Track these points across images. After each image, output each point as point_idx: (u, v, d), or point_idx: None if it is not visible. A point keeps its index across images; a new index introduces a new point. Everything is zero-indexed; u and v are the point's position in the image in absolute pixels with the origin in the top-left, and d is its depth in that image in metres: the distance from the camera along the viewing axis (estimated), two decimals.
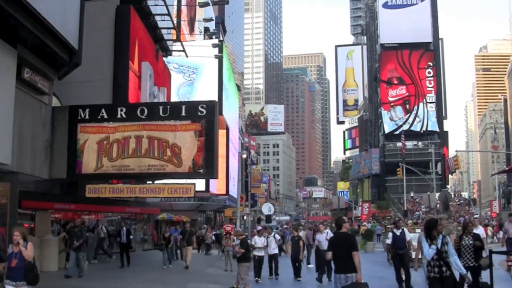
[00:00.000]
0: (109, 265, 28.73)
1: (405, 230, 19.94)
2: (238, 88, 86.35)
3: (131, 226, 38.48)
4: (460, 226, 21.69)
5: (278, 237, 27.33)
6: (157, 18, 24.67)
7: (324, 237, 22.67)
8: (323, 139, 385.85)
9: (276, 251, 24.79)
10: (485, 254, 14.48)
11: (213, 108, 17.19)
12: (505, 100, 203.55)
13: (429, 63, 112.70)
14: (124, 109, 17.53)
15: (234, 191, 54.74)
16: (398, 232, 19.41)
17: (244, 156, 63.64)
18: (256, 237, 23.40)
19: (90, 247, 26.89)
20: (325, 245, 20.71)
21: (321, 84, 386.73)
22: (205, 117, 16.94)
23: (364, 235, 46.86)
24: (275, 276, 24.42)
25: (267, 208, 54.53)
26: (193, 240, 31.35)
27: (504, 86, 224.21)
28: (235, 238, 25.86)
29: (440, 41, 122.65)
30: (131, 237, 29.23)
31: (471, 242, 14.51)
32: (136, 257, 32.02)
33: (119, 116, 17.39)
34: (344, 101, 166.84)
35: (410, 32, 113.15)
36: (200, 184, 33.49)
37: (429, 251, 11.26)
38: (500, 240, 21.39)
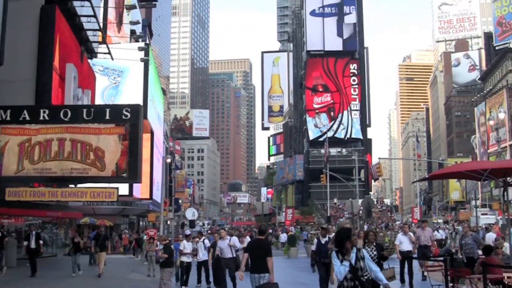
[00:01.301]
0: (20, 272, 27.15)
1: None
2: (164, 92, 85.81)
3: (53, 230, 37.79)
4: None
5: (207, 242, 25.82)
6: (83, 19, 24.27)
7: (226, 243, 20.51)
8: (248, 144, 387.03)
9: (206, 257, 22.91)
10: (386, 265, 13.87)
11: (138, 112, 17.00)
12: (427, 109, 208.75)
13: (354, 71, 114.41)
14: (47, 111, 17.16)
15: (157, 195, 54.27)
16: (323, 240, 18.65)
17: (168, 160, 63.30)
18: (184, 242, 22.57)
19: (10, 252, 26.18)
20: (227, 252, 20.31)
21: (247, 90, 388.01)
22: (129, 120, 16.72)
23: (287, 241, 47.07)
24: (206, 284, 22.72)
25: (191, 213, 54.28)
26: (107, 245, 29.52)
27: (427, 96, 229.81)
28: (158, 243, 25.50)
29: (365, 50, 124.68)
30: (40, 242, 27.60)
31: (374, 252, 13.65)
32: (56, 262, 31.35)
33: (41, 118, 16.99)
34: (270, 107, 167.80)
35: (336, 40, 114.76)
36: (123, 188, 33.03)
37: (341, 269, 8.87)
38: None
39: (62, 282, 24.72)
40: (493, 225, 44.46)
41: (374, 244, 13.96)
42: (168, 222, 63.20)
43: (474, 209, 65.98)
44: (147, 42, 60.63)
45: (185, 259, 22.18)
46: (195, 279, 22.95)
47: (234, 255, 20.80)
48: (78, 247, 27.59)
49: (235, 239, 21.11)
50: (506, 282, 13.32)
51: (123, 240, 53.02)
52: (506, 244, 19.65)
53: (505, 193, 16.84)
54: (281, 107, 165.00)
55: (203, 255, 22.89)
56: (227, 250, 20.33)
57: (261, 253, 13.54)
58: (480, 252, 19.37)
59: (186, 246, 22.30)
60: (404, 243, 20.86)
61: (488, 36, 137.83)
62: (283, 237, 54.06)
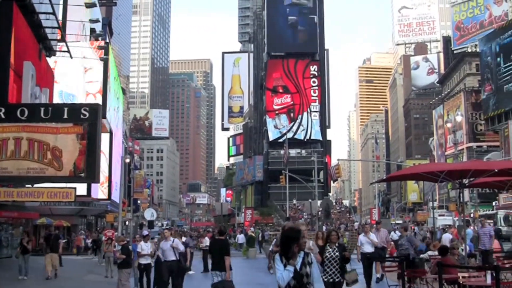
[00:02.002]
0: None
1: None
2: (124, 91, 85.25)
3: (8, 231, 37.28)
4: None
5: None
6: (42, 16, 23.98)
7: (169, 245, 19.47)
8: (208, 145, 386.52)
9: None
10: (349, 267, 13.40)
11: (96, 111, 16.83)
12: (386, 111, 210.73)
13: (314, 73, 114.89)
14: (3, 110, 16.89)
15: (116, 196, 53.84)
16: None
17: (127, 160, 62.86)
18: (142, 243, 21.48)
19: None
20: (170, 254, 19.26)
21: (207, 90, 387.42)
22: (88, 120, 16.55)
23: (246, 242, 47.09)
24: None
25: (149, 214, 54.05)
26: (59, 245, 28.58)
27: (386, 98, 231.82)
28: (116, 244, 25.25)
29: (325, 52, 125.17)
30: None
31: (336, 253, 12.95)
32: (11, 264, 30.89)
33: None
34: (230, 108, 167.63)
35: (296, 42, 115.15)
36: (81, 189, 32.70)
37: (284, 274, 7.72)
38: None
39: (18, 285, 24.36)
40: (448, 226, 45.12)
41: (337, 244, 13.21)
42: (127, 222, 62.86)
43: (431, 210, 66.71)
44: (107, 41, 60.13)
45: (143, 261, 21.21)
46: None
47: (178, 258, 19.70)
48: (25, 249, 26.60)
49: (178, 241, 19.98)
50: (461, 282, 13.49)
51: (76, 240, 52.53)
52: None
53: (461, 195, 17.04)
54: (241, 107, 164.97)
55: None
56: (170, 252, 19.33)
57: (221, 253, 14.78)
58: (413, 252, 19.74)
59: (144, 247, 21.23)
60: (365, 244, 20.71)
61: (446, 40, 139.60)
62: (241, 238, 54.05)
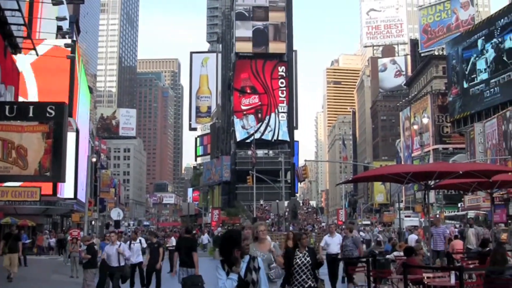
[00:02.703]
0: None
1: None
2: (91, 90, 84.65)
3: None
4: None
5: (144, 243, 23.58)
6: (7, 13, 23.74)
7: (114, 249, 18.55)
8: (175, 145, 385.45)
9: (140, 258, 21.65)
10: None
11: (62, 110, 16.69)
12: (354, 113, 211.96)
13: (282, 74, 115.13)
14: None
15: (82, 195, 53.48)
16: None
17: (94, 160, 62.50)
18: (123, 245, 19.92)
19: None
20: (114, 259, 18.48)
21: (175, 90, 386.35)
22: (54, 118, 16.41)
23: (213, 242, 47.08)
24: None
25: (116, 213, 53.90)
26: (19, 246, 27.13)
27: (353, 99, 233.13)
28: (81, 243, 25.04)
29: (294, 53, 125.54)
30: None
31: (308, 259, 11.50)
32: None
33: None
34: (197, 108, 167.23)
35: (264, 42, 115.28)
36: (47, 188, 32.42)
37: (226, 284, 6.95)
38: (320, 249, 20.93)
39: None
40: (414, 227, 45.47)
41: (307, 249, 11.76)
42: (93, 222, 62.45)
43: (398, 211, 67.28)
44: (74, 39, 59.70)
45: (133, 260, 20.60)
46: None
47: (122, 264, 18.74)
48: None
49: (124, 246, 19.17)
50: (425, 282, 13.61)
51: (38, 240, 52.01)
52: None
53: (427, 196, 17.18)
54: (209, 108, 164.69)
55: (137, 257, 21.55)
56: (115, 257, 18.43)
57: (188, 250, 15.59)
58: (357, 253, 19.84)
59: (125, 247, 19.80)
60: (331, 245, 20.51)
61: (414, 43, 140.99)
62: (205, 238, 53.93)
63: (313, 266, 11.63)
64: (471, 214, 53.45)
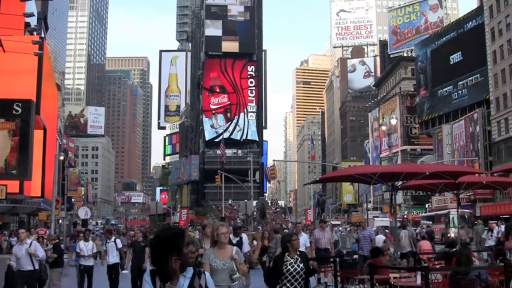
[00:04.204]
0: None
1: (244, 237, 15.25)
2: (59, 88, 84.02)
3: None
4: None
5: (120, 242, 20.96)
6: None
7: (24, 250, 15.51)
8: (144, 143, 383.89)
9: (117, 259, 19.78)
10: (314, 283, 11.63)
11: (29, 107, 16.56)
12: (323, 113, 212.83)
13: (252, 73, 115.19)
14: None
15: (49, 193, 53.08)
16: (235, 240, 14.72)
17: (61, 158, 61.98)
18: (81, 242, 19.56)
19: None
20: (26, 262, 15.47)
21: (144, 89, 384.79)
22: (21, 116, 16.26)
23: None
24: None
25: (83, 212, 53.53)
26: None
27: (323, 100, 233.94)
28: (48, 242, 24.69)
29: (263, 53, 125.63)
30: None
31: (301, 265, 9.34)
32: None
33: None
34: (166, 107, 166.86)
35: (234, 42, 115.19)
36: (13, 186, 31.99)
37: None
38: (308, 249, 19.79)
39: None
40: (384, 228, 45.75)
41: (298, 253, 9.58)
42: (60, 221, 61.96)
43: (366, 212, 67.69)
44: (42, 35, 59.18)
45: (84, 262, 19.48)
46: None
47: (36, 267, 15.76)
48: None
49: (36, 245, 16.19)
50: (392, 282, 13.69)
51: None
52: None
53: (394, 197, 17.27)
54: (178, 106, 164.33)
55: (113, 258, 19.71)
56: (26, 259, 15.42)
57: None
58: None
59: (83, 247, 19.45)
60: (301, 246, 20.01)
61: (383, 44, 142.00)
62: None
63: (308, 274, 9.66)
64: (453, 213, 51.27)
